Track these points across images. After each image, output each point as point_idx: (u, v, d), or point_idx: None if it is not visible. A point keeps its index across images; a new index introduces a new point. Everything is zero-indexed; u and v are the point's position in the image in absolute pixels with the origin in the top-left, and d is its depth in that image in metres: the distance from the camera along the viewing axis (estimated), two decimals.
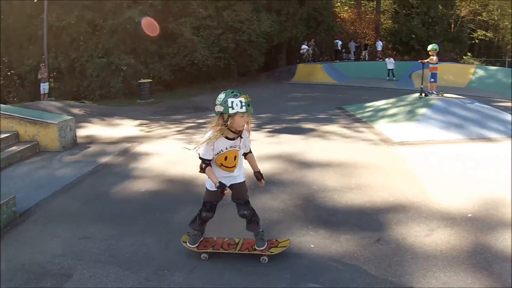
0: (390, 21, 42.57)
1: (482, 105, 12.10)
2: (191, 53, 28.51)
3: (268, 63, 34.61)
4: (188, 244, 4.57)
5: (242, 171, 4.43)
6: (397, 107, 12.08)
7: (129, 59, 27.42)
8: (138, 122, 14.08)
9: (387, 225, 5.10)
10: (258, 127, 11.47)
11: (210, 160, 4.20)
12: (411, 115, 10.84)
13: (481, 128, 9.98)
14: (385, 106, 12.65)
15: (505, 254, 4.46)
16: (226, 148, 4.17)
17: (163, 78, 29.08)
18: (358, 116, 12.45)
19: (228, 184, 4.22)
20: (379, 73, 28.30)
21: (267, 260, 4.40)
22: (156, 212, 5.83)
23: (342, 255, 4.45)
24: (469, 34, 43.68)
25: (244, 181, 4.46)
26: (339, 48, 34.98)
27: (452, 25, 42.90)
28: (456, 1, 41.87)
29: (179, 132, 11.84)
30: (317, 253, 4.51)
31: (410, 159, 7.88)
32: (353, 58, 35.21)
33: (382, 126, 10.63)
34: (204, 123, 12.85)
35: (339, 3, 45.73)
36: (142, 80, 25.46)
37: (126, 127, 12.96)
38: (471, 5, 42.95)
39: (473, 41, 43.84)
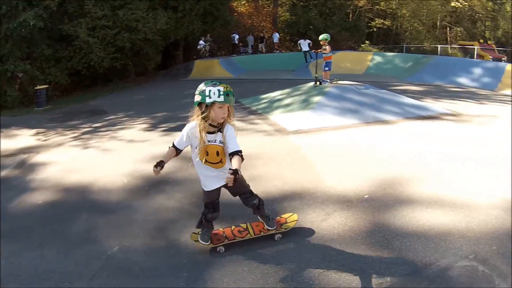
0: (287, 13, 43.16)
1: (378, 89, 12.36)
2: (87, 55, 27.34)
3: (166, 61, 33.96)
4: (201, 242, 4.45)
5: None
6: (292, 97, 12.03)
7: (25, 65, 25.98)
8: (34, 131, 13.41)
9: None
10: (153, 127, 11.41)
11: (178, 148, 4.11)
12: (305, 103, 10.81)
13: (376, 111, 10.13)
14: (280, 96, 12.54)
15: (404, 230, 4.62)
16: (204, 142, 3.97)
17: (60, 83, 27.75)
18: (254, 108, 12.24)
19: (221, 185, 4.16)
20: (277, 64, 28.42)
21: (281, 237, 4.53)
22: (54, 224, 5.63)
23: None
24: (367, 23, 45.27)
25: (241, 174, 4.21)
26: (236, 42, 34.99)
27: (351, 15, 44.21)
28: None
29: (75, 138, 11.34)
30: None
31: (305, 146, 7.90)
32: (250, 52, 35.21)
33: (277, 116, 10.52)
34: (101, 126, 12.70)
35: None
36: (39, 87, 24.06)
37: (23, 138, 12.39)
38: None
39: (372, 30, 45.38)
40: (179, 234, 4.83)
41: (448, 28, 55.14)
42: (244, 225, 4.68)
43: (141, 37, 27.44)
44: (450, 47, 45.01)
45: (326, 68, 12.92)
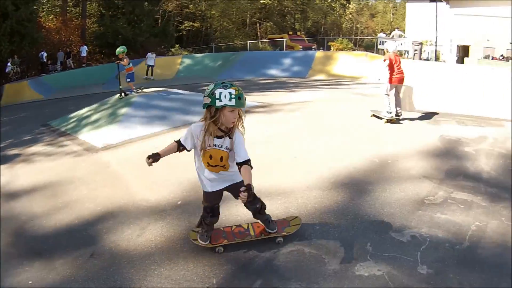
0: (96, 24, 42.16)
1: (186, 93, 12.81)
2: None
3: None
4: (200, 241, 4.38)
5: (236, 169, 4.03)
6: (99, 112, 11.95)
7: None
8: None
9: (98, 236, 5.00)
10: None
11: (183, 144, 4.00)
12: (113, 117, 10.83)
13: (185, 115, 10.54)
14: (88, 113, 12.37)
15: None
16: (209, 146, 3.87)
17: None
18: (63, 129, 11.87)
19: (223, 187, 4.11)
20: (87, 79, 27.41)
21: (282, 241, 4.45)
22: None
23: (60, 282, 4.19)
24: (176, 27, 45.72)
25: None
26: (45, 60, 33.41)
27: (160, 20, 44.39)
28: None
29: None
30: None
31: (114, 162, 7.91)
32: (59, 69, 33.85)
33: (85, 135, 10.37)
34: None
35: (44, 12, 43.66)
36: None
37: None
38: None
39: (181, 33, 45.94)
40: None
41: (258, 24, 57.94)
42: (245, 225, 4.64)
43: None
44: (261, 42, 47.44)
45: (128, 80, 13.02)
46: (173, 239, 4.68)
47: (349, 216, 5.17)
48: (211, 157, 3.89)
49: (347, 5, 73.71)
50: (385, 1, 79.78)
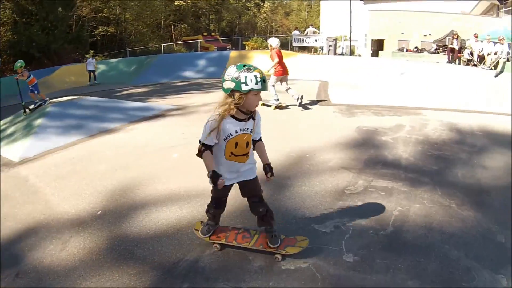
0: (10, 32, 40.52)
1: (101, 99, 12.74)
2: None
3: None
4: (200, 234, 4.34)
5: (253, 165, 4.06)
6: (14, 124, 11.59)
7: None
8: None
9: (22, 255, 4.74)
10: None
11: (211, 146, 3.75)
12: (28, 129, 10.53)
13: (100, 122, 10.52)
14: (4, 126, 11.97)
15: (144, 236, 4.78)
16: (236, 132, 3.71)
17: None
18: None
19: (236, 181, 3.98)
20: (3, 90, 26.60)
21: (280, 259, 4.17)
22: None
23: None
24: (90, 32, 44.62)
25: (256, 176, 4.09)
26: None
27: (74, 26, 43.25)
28: (77, 1, 42.18)
29: None
30: None
31: (32, 176, 7.57)
32: None
33: (2, 149, 9.91)
34: None
35: None
36: None
37: None
38: (92, 3, 43.91)
39: (96, 38, 44.95)
40: None
41: (172, 26, 57.78)
42: (253, 232, 4.46)
43: None
44: (175, 44, 47.48)
45: (35, 92, 12.71)
46: (96, 251, 4.56)
47: None
48: (236, 145, 3.77)
49: (262, 4, 74.78)
50: None
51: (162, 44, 37.73)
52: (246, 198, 4.17)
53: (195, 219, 4.94)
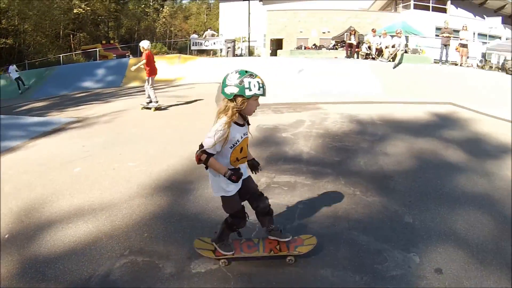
0: None
1: None
2: None
3: None
4: (224, 252, 4.18)
5: (245, 164, 4.08)
6: None
7: None
8: None
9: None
10: None
11: (213, 154, 3.70)
12: None
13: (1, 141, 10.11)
14: None
15: (53, 256, 4.57)
16: (241, 137, 3.77)
17: None
18: None
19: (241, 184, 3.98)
20: None
21: (294, 261, 4.19)
22: None
23: None
24: None
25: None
26: None
27: None
28: None
29: None
30: None
31: None
32: None
33: None
34: None
35: None
36: None
37: None
38: None
39: None
40: None
41: (71, 36, 56.22)
42: (256, 240, 4.42)
43: None
44: (75, 53, 46.14)
45: None
46: (8, 277, 4.29)
47: (175, 218, 5.27)
48: (241, 150, 3.82)
49: (161, 9, 74.32)
50: (199, 2, 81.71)
51: (61, 55, 36.63)
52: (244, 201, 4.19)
53: (101, 233, 4.95)
